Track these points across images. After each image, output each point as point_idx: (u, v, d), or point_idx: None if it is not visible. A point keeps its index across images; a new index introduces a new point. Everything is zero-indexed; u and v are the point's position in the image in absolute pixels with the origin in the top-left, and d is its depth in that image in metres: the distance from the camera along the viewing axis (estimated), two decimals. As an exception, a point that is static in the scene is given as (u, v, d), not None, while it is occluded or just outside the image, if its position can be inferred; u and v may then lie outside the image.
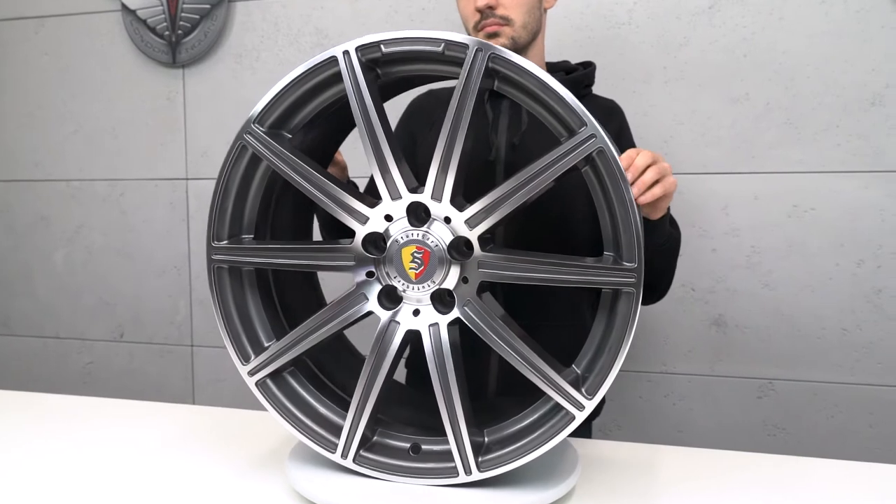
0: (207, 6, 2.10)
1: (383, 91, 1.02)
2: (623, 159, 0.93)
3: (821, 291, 1.79)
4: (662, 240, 1.17)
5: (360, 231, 0.94)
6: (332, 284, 2.03)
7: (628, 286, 0.87)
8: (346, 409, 0.99)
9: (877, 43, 1.71)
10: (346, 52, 0.92)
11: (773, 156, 1.78)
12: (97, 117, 2.27)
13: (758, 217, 1.81)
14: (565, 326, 1.30)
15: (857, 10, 1.72)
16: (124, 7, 2.17)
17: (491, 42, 0.97)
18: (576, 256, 0.91)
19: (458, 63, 0.90)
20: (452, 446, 0.92)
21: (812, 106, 1.75)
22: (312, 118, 1.02)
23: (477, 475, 0.92)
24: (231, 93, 2.15)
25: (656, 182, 0.95)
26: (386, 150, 0.92)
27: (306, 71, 0.96)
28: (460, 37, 0.89)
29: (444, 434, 0.95)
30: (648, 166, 0.94)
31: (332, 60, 0.94)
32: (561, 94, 0.87)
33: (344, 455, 0.97)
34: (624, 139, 1.37)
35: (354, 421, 0.95)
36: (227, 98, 2.16)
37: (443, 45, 0.89)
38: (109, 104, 2.25)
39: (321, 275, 1.24)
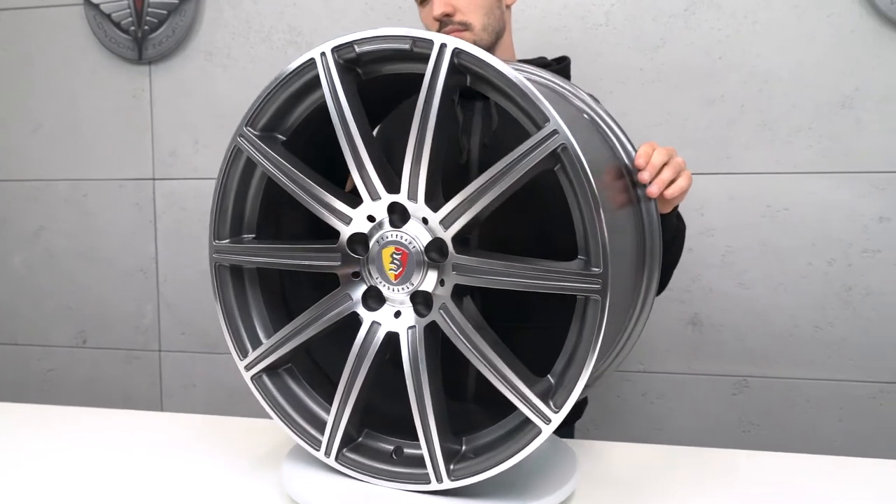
0: (175, 1, 2.05)
1: (401, 95, 1.01)
2: (640, 157, 0.92)
3: (793, 290, 1.83)
4: (670, 235, 1.17)
5: (345, 232, 0.94)
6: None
7: (594, 293, 0.82)
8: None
9: (847, 47, 1.75)
10: (322, 54, 0.92)
11: (747, 157, 1.81)
12: (58, 115, 2.19)
13: (733, 217, 1.84)
14: (552, 328, 1.30)
15: (828, 14, 1.76)
16: (87, 0, 2.09)
17: None
18: (546, 261, 0.87)
19: (427, 60, 0.88)
20: (424, 452, 0.91)
21: (785, 108, 1.79)
22: (313, 119, 1.01)
23: (448, 483, 0.90)
24: (200, 91, 2.10)
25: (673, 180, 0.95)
26: (362, 151, 0.91)
27: (287, 75, 0.96)
28: (427, 33, 0.86)
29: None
30: (665, 164, 0.94)
31: (312, 63, 0.93)
32: (522, 87, 0.82)
33: (327, 453, 0.97)
34: None
35: (336, 420, 0.96)
36: (197, 96, 2.10)
37: (410, 41, 0.87)
38: (72, 102, 2.17)
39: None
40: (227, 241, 1.02)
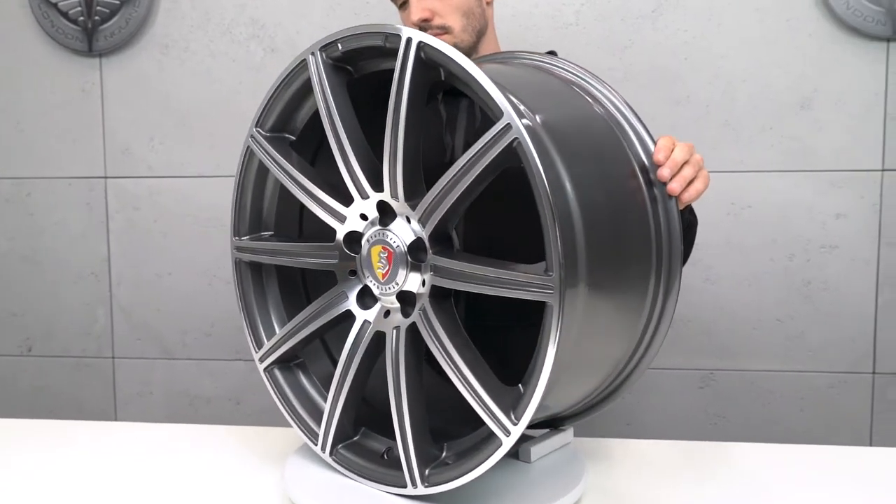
0: (129, -9, 1.95)
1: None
2: (660, 150, 0.89)
3: (756, 285, 1.88)
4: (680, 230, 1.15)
5: (341, 230, 0.95)
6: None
7: (548, 298, 0.75)
8: None
9: (805, 50, 1.82)
10: (313, 53, 0.92)
11: (713, 156, 1.86)
12: (0, 110, 2.06)
13: (699, 215, 1.87)
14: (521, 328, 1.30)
15: (787, 18, 1.82)
16: (31, -12, 1.97)
17: None
18: (517, 265, 0.81)
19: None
20: (401, 456, 0.89)
21: (748, 109, 1.84)
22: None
23: (421, 489, 0.88)
24: (156, 85, 2.01)
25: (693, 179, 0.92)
26: (348, 149, 0.90)
27: (286, 76, 0.96)
28: (396, 27, 0.84)
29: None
30: (686, 161, 0.91)
31: (304, 63, 0.93)
32: (478, 79, 0.78)
33: (323, 448, 0.99)
34: None
35: (329, 415, 0.97)
36: (152, 91, 2.01)
37: (383, 37, 0.86)
38: (14, 95, 2.04)
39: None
40: (246, 237, 1.05)
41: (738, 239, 1.87)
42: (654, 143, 0.93)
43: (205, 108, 2.00)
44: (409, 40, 0.83)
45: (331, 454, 0.98)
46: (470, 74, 0.79)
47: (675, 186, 0.89)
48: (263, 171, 1.02)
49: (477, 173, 0.80)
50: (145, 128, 2.02)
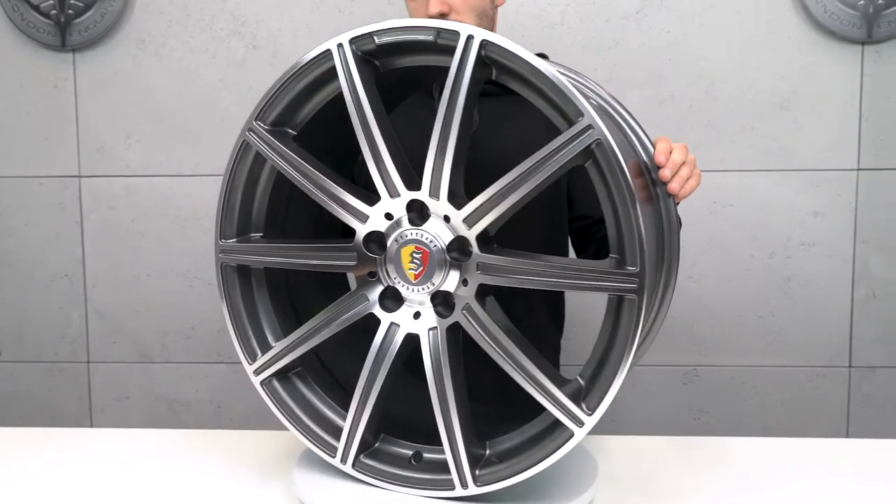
0: (104, -16, 1.89)
1: (404, 90, 0.98)
2: (660, 153, 0.93)
3: (738, 282, 1.92)
4: None
5: (361, 230, 0.91)
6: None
7: (629, 292, 0.80)
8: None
9: (784, 52, 1.86)
10: (339, 45, 0.88)
11: (695, 155, 1.88)
12: (-35, 105, 1.98)
13: (682, 213, 1.89)
14: (540, 327, 1.30)
15: (767, 21, 1.86)
16: (0, -20, 1.90)
17: None
18: (578, 260, 0.91)
19: (452, 52, 0.86)
20: (448, 458, 0.89)
21: (729, 109, 1.88)
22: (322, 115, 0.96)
23: (473, 490, 0.88)
24: (132, 82, 1.95)
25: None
26: (381, 146, 0.88)
27: (302, 66, 0.92)
28: (452, 24, 0.85)
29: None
30: (683, 162, 0.96)
31: (328, 54, 0.89)
32: (555, 81, 0.80)
33: (343, 460, 0.94)
34: None
35: (353, 425, 0.93)
36: (128, 87, 1.95)
37: (435, 32, 0.85)
38: (-19, 91, 1.97)
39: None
40: (233, 240, 0.99)
41: (720, 237, 1.91)
42: (653, 145, 0.98)
43: (184, 105, 1.95)
44: (469, 37, 0.83)
45: (353, 465, 0.94)
46: (543, 75, 0.81)
47: (674, 186, 0.95)
48: (256, 168, 0.97)
49: (549, 173, 0.82)
50: (121, 125, 1.96)
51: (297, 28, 1.92)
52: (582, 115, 0.80)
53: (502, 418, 0.99)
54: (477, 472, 0.89)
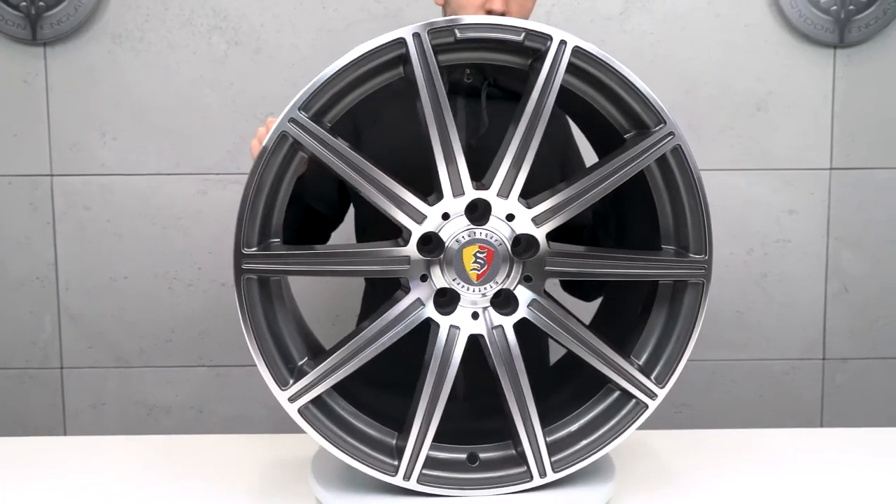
0: (78, -24, 1.83)
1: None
2: None
3: (717, 278, 1.94)
4: None
5: (416, 230, 0.87)
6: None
7: (697, 277, 0.92)
8: (382, 423, 0.93)
9: (762, 54, 1.92)
10: (416, 34, 0.84)
11: (677, 155, 1.93)
12: (-73, 100, 1.88)
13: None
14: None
15: (745, 24, 1.91)
16: (-36, -31, 1.81)
17: None
18: (643, 251, 0.94)
19: (530, 53, 0.88)
20: (527, 449, 0.90)
21: (709, 110, 1.93)
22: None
23: (552, 476, 0.91)
24: (107, 78, 1.89)
25: None
26: (455, 143, 0.86)
27: (366, 53, 0.85)
28: (542, 26, 0.86)
29: (496, 440, 0.94)
30: None
31: (397, 43, 0.85)
32: (643, 91, 0.89)
33: (407, 476, 0.89)
34: (570, 135, 1.39)
35: (418, 440, 0.89)
36: (103, 83, 1.89)
37: (523, 33, 0.86)
38: (-56, 85, 1.87)
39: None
40: (255, 248, 0.88)
41: (701, 234, 1.95)
42: None
43: (162, 102, 1.89)
44: (562, 42, 0.85)
45: (418, 480, 0.90)
46: (630, 82, 0.88)
47: None
48: (284, 167, 0.88)
49: (631, 175, 0.87)
50: (96, 122, 1.90)
51: (281, 24, 1.89)
52: (664, 122, 0.89)
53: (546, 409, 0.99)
54: (552, 459, 0.92)
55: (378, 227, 1.30)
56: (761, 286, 1.98)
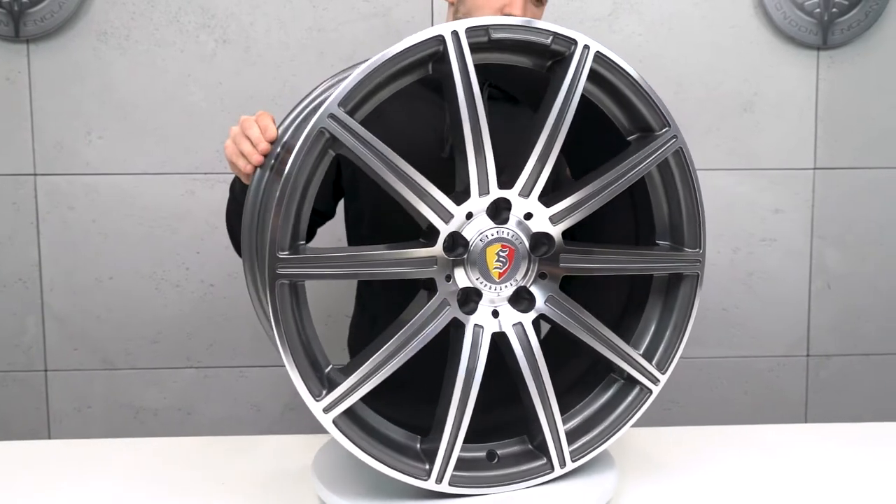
0: (62, -28, 1.80)
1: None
2: None
3: (705, 277, 1.99)
4: None
5: (444, 230, 0.86)
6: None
7: (693, 270, 0.99)
8: (403, 427, 0.93)
9: (747, 56, 1.94)
10: (454, 32, 0.83)
11: (665, 154, 1.95)
12: None
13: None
14: None
15: (731, 25, 1.94)
16: (-56, -36, 1.78)
17: None
18: (646, 247, 0.99)
19: (549, 56, 0.89)
20: (549, 441, 0.92)
21: (696, 110, 1.95)
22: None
23: (570, 466, 0.94)
24: (93, 75, 1.86)
25: None
26: (486, 143, 0.86)
27: (406, 49, 0.83)
28: (567, 31, 0.88)
29: (506, 436, 0.96)
30: None
31: (434, 40, 0.83)
32: (652, 96, 0.93)
33: (439, 479, 0.88)
34: None
35: (450, 442, 0.88)
36: (88, 81, 1.86)
37: (551, 37, 0.87)
38: (-76, 82, 1.83)
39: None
40: (287, 252, 0.83)
41: (689, 233, 1.97)
42: None
43: (149, 100, 1.87)
44: (586, 47, 0.87)
45: (450, 482, 0.89)
46: (641, 87, 0.92)
47: None
48: (316, 165, 0.85)
49: (640, 175, 0.92)
50: (81, 121, 1.87)
51: (270, 22, 1.87)
52: (668, 125, 0.93)
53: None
54: (570, 448, 0.94)
55: (372, 224, 1.30)
56: (747, 284, 2.00)
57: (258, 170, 1.00)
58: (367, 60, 0.83)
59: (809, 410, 2.04)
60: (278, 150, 0.98)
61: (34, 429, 1.94)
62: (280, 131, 1.00)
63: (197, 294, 1.93)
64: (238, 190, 1.19)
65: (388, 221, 1.16)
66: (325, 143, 0.82)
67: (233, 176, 1.21)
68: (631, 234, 1.06)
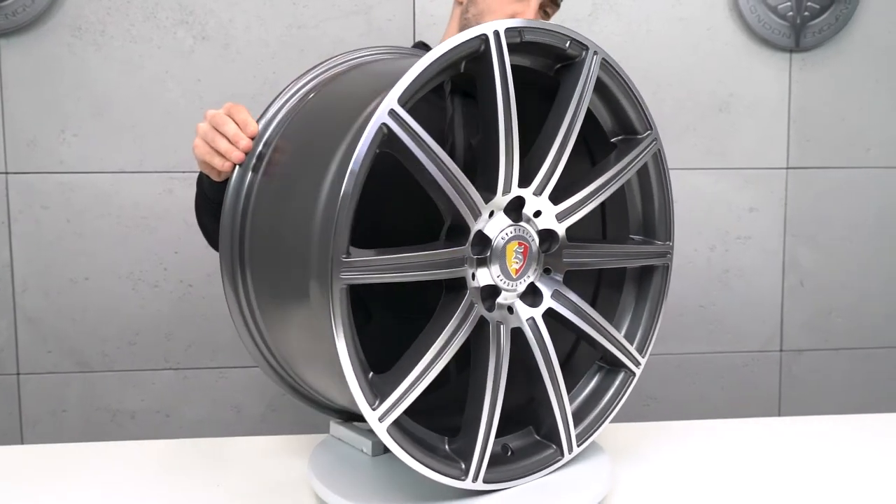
0: (35, -35, 1.75)
1: None
2: None
3: (682, 274, 2.03)
4: None
5: (474, 227, 0.85)
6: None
7: (664, 260, 1.05)
8: (430, 428, 0.91)
9: (722, 57, 1.98)
10: (496, 32, 0.82)
11: (644, 154, 1.98)
12: None
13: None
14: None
15: (707, 27, 1.97)
16: (-89, -44, 1.72)
17: None
18: (631, 243, 1.03)
19: (560, 59, 0.91)
20: (560, 429, 0.94)
21: (674, 110, 1.98)
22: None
23: (576, 450, 0.96)
24: (67, 71, 1.82)
25: None
26: (515, 141, 0.86)
27: (455, 46, 0.80)
28: (580, 35, 0.90)
29: (513, 430, 0.97)
30: None
31: (477, 40, 0.81)
32: (641, 100, 0.97)
33: (475, 478, 0.87)
34: None
35: (485, 438, 0.87)
36: (62, 77, 1.82)
37: (569, 41, 0.89)
38: None
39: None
40: (343, 255, 0.77)
41: (667, 232, 2.01)
42: None
43: (126, 97, 1.84)
44: (595, 53, 0.91)
45: (483, 480, 0.88)
46: (633, 91, 0.96)
47: None
48: (367, 163, 0.78)
49: (627, 177, 0.96)
50: (55, 118, 1.83)
51: (249, 19, 1.85)
52: (650, 128, 0.98)
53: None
54: (574, 434, 0.97)
55: (367, 229, 1.28)
56: (723, 281, 2.04)
57: (238, 168, 0.95)
58: (403, 55, 0.83)
59: (783, 404, 2.09)
60: (260, 147, 0.95)
61: (6, 434, 1.89)
62: (261, 126, 0.96)
63: (175, 294, 1.90)
64: (207, 186, 1.12)
65: (383, 226, 1.16)
66: (382, 141, 0.77)
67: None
68: (599, 231, 1.11)
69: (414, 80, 0.77)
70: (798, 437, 1.17)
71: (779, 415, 2.08)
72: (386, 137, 0.77)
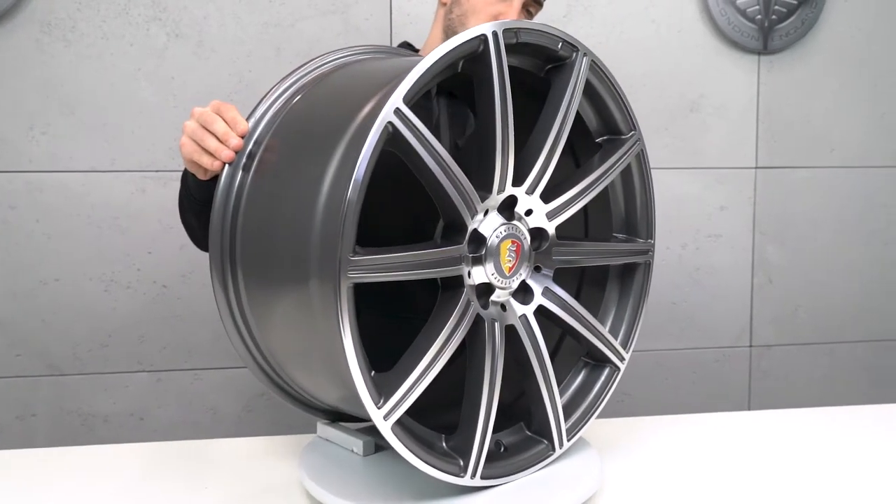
0: (2, -41, 1.71)
1: None
2: None
3: (656, 272, 2.04)
4: None
5: (470, 225, 0.85)
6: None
7: (647, 258, 1.07)
8: (426, 425, 0.91)
9: (693, 58, 2.02)
10: (494, 33, 0.83)
11: (618, 154, 2.01)
12: None
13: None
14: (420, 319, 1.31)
15: (678, 30, 2.01)
16: None
17: None
18: (615, 241, 1.06)
19: (550, 61, 0.92)
20: (552, 424, 0.95)
21: (647, 111, 2.01)
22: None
23: (567, 445, 0.98)
24: (35, 68, 1.78)
25: None
26: (511, 140, 0.86)
27: (457, 45, 0.81)
28: (572, 38, 0.92)
29: (505, 426, 0.98)
30: None
31: (476, 40, 0.82)
32: (626, 101, 0.99)
33: (473, 475, 0.88)
34: None
35: (483, 435, 0.88)
36: (30, 75, 1.78)
37: (560, 42, 0.90)
38: None
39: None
40: (350, 254, 0.76)
41: (640, 230, 2.04)
42: None
43: (97, 95, 1.80)
44: (584, 55, 0.93)
45: (481, 476, 0.89)
46: (619, 92, 0.99)
47: None
48: (374, 159, 0.77)
49: (613, 176, 0.98)
50: (23, 116, 1.78)
51: (224, 17, 1.83)
52: (634, 129, 1.00)
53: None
54: (565, 428, 0.98)
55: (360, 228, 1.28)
56: (694, 279, 2.09)
57: (227, 167, 0.94)
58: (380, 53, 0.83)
59: (753, 398, 2.14)
60: (250, 145, 0.94)
61: (-27, 440, 1.84)
62: (251, 124, 0.95)
63: (149, 295, 1.87)
64: (193, 185, 1.10)
65: (370, 226, 1.16)
66: (387, 139, 0.77)
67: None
68: (582, 230, 1.13)
69: (419, 79, 0.78)
70: (768, 430, 1.20)
71: (749, 408, 2.13)
72: (391, 136, 0.77)
